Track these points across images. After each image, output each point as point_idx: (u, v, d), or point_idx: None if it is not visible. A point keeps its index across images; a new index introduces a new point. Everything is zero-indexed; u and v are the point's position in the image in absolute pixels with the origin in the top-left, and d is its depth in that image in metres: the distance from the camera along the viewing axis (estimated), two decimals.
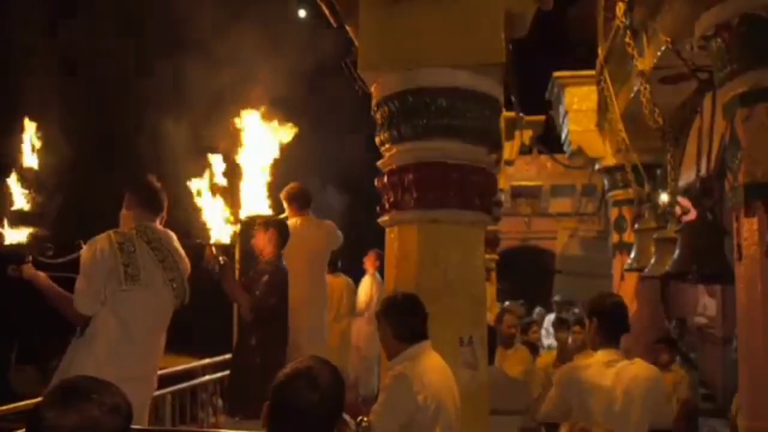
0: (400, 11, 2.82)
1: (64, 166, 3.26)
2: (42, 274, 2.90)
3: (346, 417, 1.91)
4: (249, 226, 3.86)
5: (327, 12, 3.23)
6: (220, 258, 3.35)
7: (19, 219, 2.97)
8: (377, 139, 2.96)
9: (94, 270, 2.78)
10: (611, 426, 2.43)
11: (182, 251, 3.07)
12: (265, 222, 3.85)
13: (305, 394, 1.55)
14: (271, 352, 3.58)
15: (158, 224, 3.02)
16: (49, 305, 2.85)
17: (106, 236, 2.84)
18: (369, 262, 6.98)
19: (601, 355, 2.72)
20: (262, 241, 3.83)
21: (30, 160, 3.06)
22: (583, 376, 2.72)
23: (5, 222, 2.97)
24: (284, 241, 3.86)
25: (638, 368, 2.70)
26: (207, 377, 5.13)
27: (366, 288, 6.91)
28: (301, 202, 4.49)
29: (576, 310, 8.26)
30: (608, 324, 2.75)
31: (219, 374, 5.16)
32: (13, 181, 3.01)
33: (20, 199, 3.01)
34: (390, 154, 2.89)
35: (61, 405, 1.26)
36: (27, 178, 3.04)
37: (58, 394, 1.29)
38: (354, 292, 6.56)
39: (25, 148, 3.06)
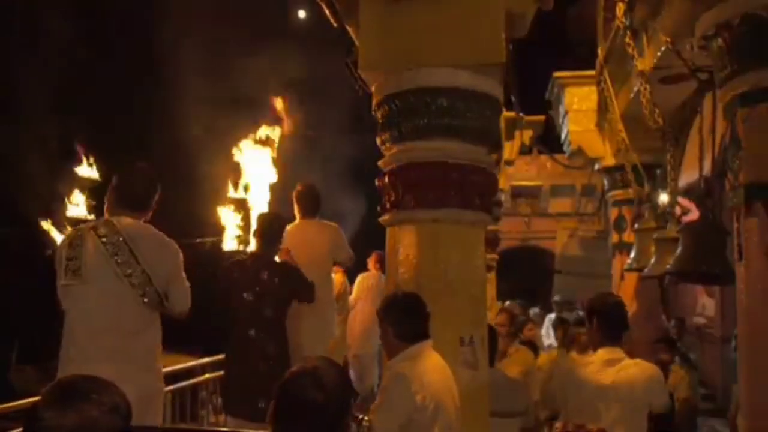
0: (400, 11, 2.82)
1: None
2: None
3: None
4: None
5: (327, 12, 3.23)
6: None
7: (76, 224, 3.02)
8: (378, 139, 2.96)
9: (56, 266, 2.83)
10: (611, 425, 2.44)
11: (158, 245, 2.88)
12: (257, 223, 3.89)
13: (310, 393, 1.54)
14: (241, 350, 3.68)
15: (129, 218, 2.86)
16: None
17: (67, 232, 2.87)
18: (372, 263, 6.99)
19: (602, 354, 2.74)
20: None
21: (88, 169, 3.11)
22: (583, 374, 2.73)
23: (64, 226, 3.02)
24: (268, 243, 3.86)
25: (639, 368, 2.71)
26: (207, 375, 5.13)
27: (362, 285, 6.92)
28: (305, 205, 4.48)
29: (580, 313, 8.24)
30: (608, 323, 2.76)
31: (219, 372, 5.16)
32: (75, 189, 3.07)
33: (77, 206, 3.06)
34: (390, 154, 2.89)
35: (59, 405, 1.25)
36: (86, 187, 3.08)
37: (56, 394, 1.29)
38: (348, 291, 6.58)
39: (83, 159, 3.12)
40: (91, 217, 3.32)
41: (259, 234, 3.84)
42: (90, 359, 2.65)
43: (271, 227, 3.90)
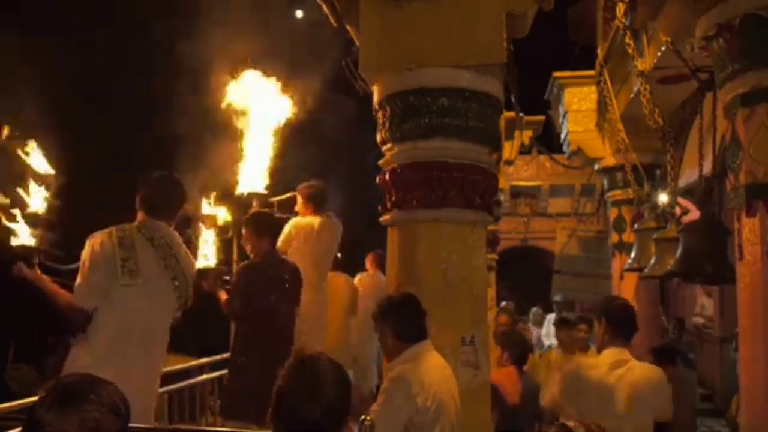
0: (401, 11, 2.81)
1: (75, 172, 3.27)
2: (45, 277, 2.88)
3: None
4: (245, 204, 3.95)
5: (327, 12, 3.22)
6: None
7: (33, 222, 2.98)
8: (378, 138, 2.95)
9: (92, 263, 2.76)
10: (617, 426, 2.44)
11: (186, 250, 3.05)
12: (256, 225, 3.82)
13: (307, 409, 1.53)
14: (257, 353, 3.58)
15: (164, 224, 2.97)
16: (51, 307, 2.84)
17: (107, 231, 2.83)
18: (369, 262, 6.98)
19: (608, 355, 2.74)
20: (253, 247, 3.81)
21: (43, 164, 3.07)
22: (588, 375, 2.74)
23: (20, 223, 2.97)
24: (275, 244, 3.86)
25: (644, 371, 2.72)
26: (205, 376, 5.12)
27: (360, 286, 6.90)
28: (318, 203, 4.55)
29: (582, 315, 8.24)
30: (616, 324, 2.77)
31: (217, 373, 5.15)
32: (29, 185, 3.02)
33: (37, 202, 3.02)
34: (391, 154, 2.88)
35: (59, 407, 1.24)
36: (46, 183, 3.05)
37: (56, 396, 1.27)
38: (353, 290, 6.55)
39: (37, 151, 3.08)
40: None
41: (266, 234, 3.81)
42: (127, 360, 2.71)
43: (276, 226, 3.91)
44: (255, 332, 3.65)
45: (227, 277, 3.74)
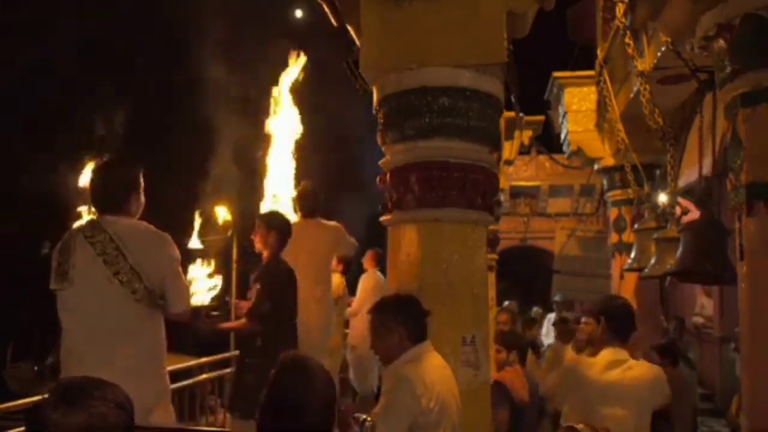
0: (401, 10, 2.82)
1: None
2: None
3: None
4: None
5: (328, 11, 3.22)
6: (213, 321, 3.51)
7: None
8: (379, 138, 2.95)
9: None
10: (614, 426, 2.44)
11: (147, 241, 2.77)
12: (267, 220, 3.85)
13: (302, 409, 1.53)
14: (273, 353, 3.57)
15: (115, 218, 2.75)
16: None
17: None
18: (367, 261, 6.98)
19: (606, 354, 2.75)
20: (262, 241, 3.83)
21: None
22: (586, 373, 2.74)
23: None
24: (284, 242, 3.87)
25: (642, 370, 2.72)
26: (205, 376, 5.12)
27: (363, 287, 6.89)
28: (306, 206, 4.53)
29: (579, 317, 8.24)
30: (615, 323, 2.78)
31: (217, 372, 5.15)
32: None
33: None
34: (392, 153, 2.88)
35: (65, 405, 1.25)
36: None
37: (60, 394, 1.28)
38: (337, 287, 6.54)
39: None
40: None
41: (278, 242, 3.86)
42: (85, 363, 2.56)
43: (286, 227, 3.95)
44: (277, 333, 3.65)
45: (215, 312, 3.55)
